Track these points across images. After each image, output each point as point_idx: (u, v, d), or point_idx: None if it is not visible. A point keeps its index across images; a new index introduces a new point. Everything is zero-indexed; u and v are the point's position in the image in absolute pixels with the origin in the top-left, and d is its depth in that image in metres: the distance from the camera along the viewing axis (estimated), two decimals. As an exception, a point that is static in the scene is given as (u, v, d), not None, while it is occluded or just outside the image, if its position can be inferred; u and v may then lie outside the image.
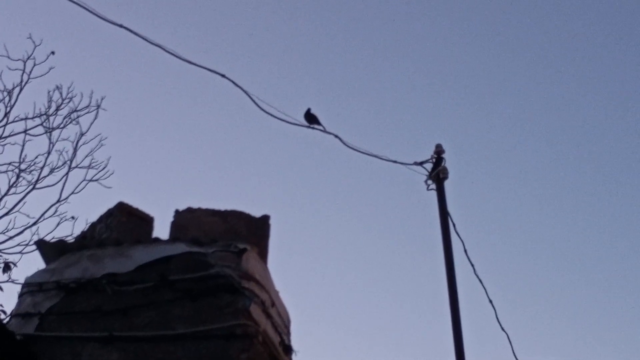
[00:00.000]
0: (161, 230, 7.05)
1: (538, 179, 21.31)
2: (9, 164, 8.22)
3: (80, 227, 7.56)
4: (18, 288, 6.80)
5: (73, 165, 8.36)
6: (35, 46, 8.58)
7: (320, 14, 21.60)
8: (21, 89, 8.50)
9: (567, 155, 21.69)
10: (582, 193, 21.86)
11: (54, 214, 8.00)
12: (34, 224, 7.86)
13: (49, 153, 8.37)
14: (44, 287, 6.56)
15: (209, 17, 20.47)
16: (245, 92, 8.26)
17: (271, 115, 8.47)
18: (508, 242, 20.57)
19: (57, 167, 8.32)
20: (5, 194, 8.06)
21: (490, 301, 8.55)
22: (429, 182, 8.94)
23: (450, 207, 8.81)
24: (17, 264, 7.35)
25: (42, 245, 7.02)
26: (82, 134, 8.57)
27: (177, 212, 7.02)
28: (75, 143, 8.50)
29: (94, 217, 7.37)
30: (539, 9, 20.85)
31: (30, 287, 6.63)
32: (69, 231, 7.75)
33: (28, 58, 8.55)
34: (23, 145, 8.33)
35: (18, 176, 8.16)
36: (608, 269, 21.44)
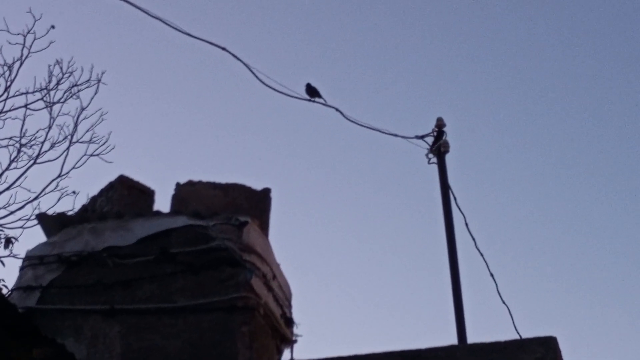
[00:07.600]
0: (162, 203, 7.05)
1: (541, 151, 21.20)
2: (10, 138, 8.26)
3: (81, 202, 7.58)
4: (19, 263, 6.82)
5: (74, 140, 8.41)
6: (35, 20, 8.59)
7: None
8: (21, 64, 8.53)
9: (573, 125, 21.54)
10: (590, 166, 21.74)
11: (55, 188, 8.05)
12: (35, 198, 7.90)
13: (49, 128, 8.41)
14: (45, 260, 6.57)
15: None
16: (246, 65, 8.27)
17: (272, 88, 8.49)
18: (509, 216, 20.53)
19: (58, 142, 8.36)
20: (6, 169, 8.10)
21: (491, 274, 8.61)
22: (430, 155, 8.98)
23: (451, 181, 8.85)
24: (19, 239, 7.37)
25: (43, 219, 7.03)
26: (82, 109, 8.62)
27: (178, 185, 7.02)
28: (76, 118, 8.55)
29: (95, 192, 7.38)
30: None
31: (32, 260, 6.64)
32: (70, 206, 7.77)
33: (28, 32, 8.57)
34: (24, 120, 8.37)
35: (19, 151, 8.20)
36: (615, 242, 21.40)
